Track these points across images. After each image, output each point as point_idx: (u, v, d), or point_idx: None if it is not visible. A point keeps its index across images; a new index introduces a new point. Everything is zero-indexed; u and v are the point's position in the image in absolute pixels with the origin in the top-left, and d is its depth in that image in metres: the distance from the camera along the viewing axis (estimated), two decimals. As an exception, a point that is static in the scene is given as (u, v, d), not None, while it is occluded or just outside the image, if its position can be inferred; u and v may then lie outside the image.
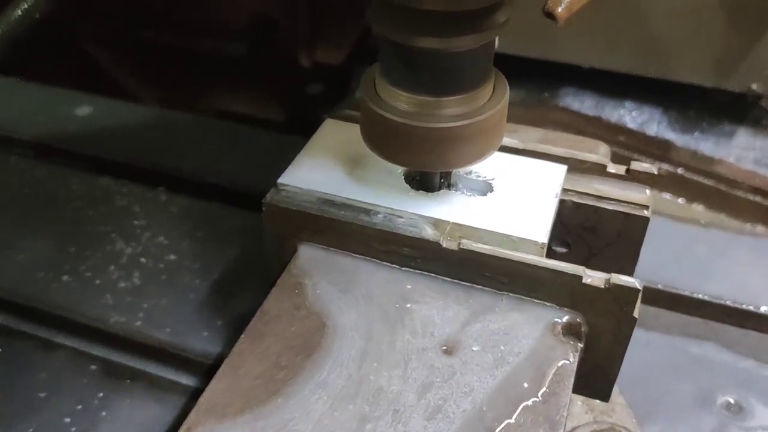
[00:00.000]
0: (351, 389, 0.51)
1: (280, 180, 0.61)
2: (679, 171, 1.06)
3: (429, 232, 0.57)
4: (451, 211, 0.58)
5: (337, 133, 0.66)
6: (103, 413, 0.66)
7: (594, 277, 0.53)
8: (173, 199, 0.89)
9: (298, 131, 0.72)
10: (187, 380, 0.70)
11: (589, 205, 0.62)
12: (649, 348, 0.75)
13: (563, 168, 0.63)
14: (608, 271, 0.54)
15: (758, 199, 1.01)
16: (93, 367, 0.71)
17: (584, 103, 1.12)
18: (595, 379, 0.59)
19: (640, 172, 0.63)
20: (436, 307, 0.56)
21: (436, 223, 0.58)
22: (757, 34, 0.98)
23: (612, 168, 0.63)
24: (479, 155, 0.57)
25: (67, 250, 0.81)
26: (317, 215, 0.59)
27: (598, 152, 0.66)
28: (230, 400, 0.50)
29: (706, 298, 0.79)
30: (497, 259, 0.55)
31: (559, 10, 0.49)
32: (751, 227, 0.98)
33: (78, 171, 0.94)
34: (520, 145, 0.64)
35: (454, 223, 0.57)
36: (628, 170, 0.63)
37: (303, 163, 0.63)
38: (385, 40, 0.53)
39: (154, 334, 0.72)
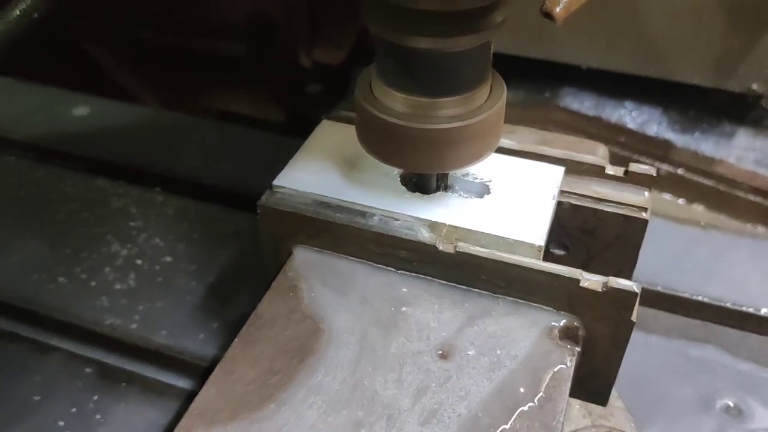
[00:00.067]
0: (345, 394, 0.50)
1: (275, 182, 0.61)
2: (679, 171, 1.05)
3: (425, 235, 0.56)
4: (448, 213, 0.58)
5: (333, 135, 0.66)
6: (98, 416, 0.66)
7: (591, 281, 0.53)
8: (169, 201, 0.89)
9: (298, 131, 0.71)
10: (182, 383, 0.70)
11: (588, 208, 0.62)
12: (648, 350, 0.74)
13: (561, 170, 0.62)
14: (607, 273, 0.53)
15: (759, 199, 1.00)
16: (88, 370, 0.71)
17: (584, 104, 1.12)
18: (593, 383, 0.58)
19: (638, 174, 0.62)
20: (432, 310, 0.56)
21: (433, 226, 0.57)
22: (757, 34, 0.97)
23: (610, 169, 0.63)
24: (476, 157, 0.57)
25: (62, 252, 0.81)
26: (313, 217, 0.58)
27: (597, 154, 0.66)
28: (222, 405, 0.50)
29: (705, 300, 0.78)
30: (494, 263, 0.54)
31: (557, 10, 0.49)
32: (752, 228, 0.98)
33: (74, 172, 0.94)
34: (517, 147, 0.64)
35: (450, 226, 0.57)
36: (626, 172, 0.62)
37: (298, 165, 0.62)
38: (381, 40, 0.53)
39: (150, 336, 0.72)
